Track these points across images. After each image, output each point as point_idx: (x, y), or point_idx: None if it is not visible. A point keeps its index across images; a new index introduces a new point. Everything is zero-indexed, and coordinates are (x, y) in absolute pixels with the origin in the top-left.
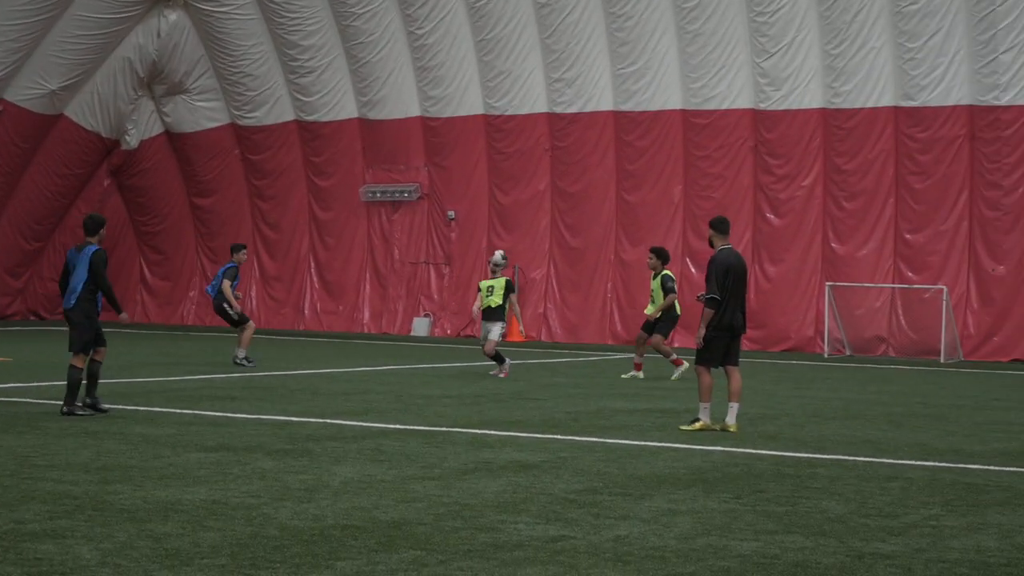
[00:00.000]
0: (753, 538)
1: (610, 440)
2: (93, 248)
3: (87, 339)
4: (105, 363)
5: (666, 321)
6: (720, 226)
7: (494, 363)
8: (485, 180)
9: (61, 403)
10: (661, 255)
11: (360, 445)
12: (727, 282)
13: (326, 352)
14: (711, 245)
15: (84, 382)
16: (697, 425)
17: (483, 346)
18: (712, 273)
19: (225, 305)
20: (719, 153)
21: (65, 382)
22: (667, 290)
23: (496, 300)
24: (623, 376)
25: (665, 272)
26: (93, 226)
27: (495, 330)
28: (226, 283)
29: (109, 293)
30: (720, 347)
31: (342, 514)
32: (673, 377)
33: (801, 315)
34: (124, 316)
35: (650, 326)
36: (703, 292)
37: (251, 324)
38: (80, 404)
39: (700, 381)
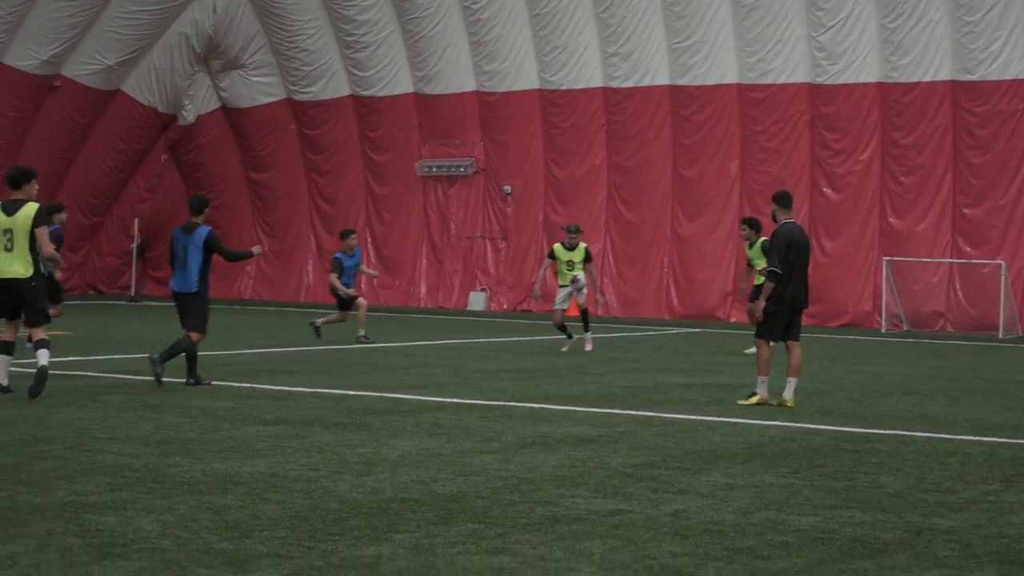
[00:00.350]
0: (811, 513)
1: (667, 414)
2: (206, 229)
3: (207, 318)
4: (164, 337)
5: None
6: (783, 200)
7: (563, 336)
8: (541, 155)
9: (185, 379)
10: (753, 225)
11: (418, 419)
12: (789, 256)
13: (383, 326)
14: (774, 219)
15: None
16: (754, 399)
17: (554, 315)
18: (774, 247)
19: (338, 292)
20: (776, 127)
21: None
22: None
23: (579, 273)
24: (746, 352)
25: (763, 239)
26: (199, 205)
27: (582, 291)
28: (332, 277)
29: (237, 256)
30: (781, 321)
31: (400, 487)
32: (747, 351)
33: (859, 290)
34: (257, 248)
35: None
36: (764, 267)
37: (361, 302)
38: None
39: (759, 354)
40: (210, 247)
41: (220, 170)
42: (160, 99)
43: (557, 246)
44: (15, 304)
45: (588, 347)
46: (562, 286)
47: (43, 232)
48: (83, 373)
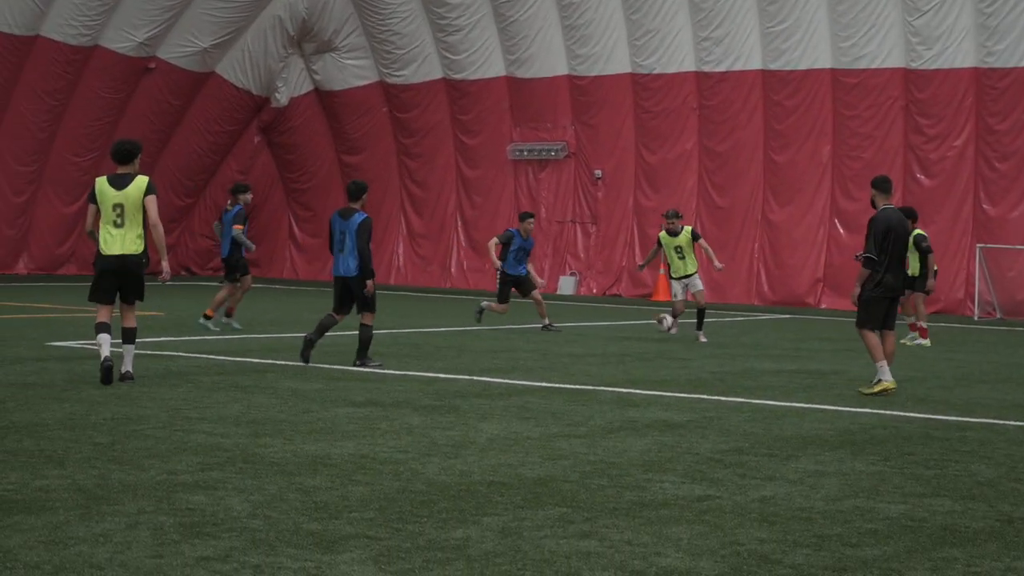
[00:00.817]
0: (901, 501)
1: (756, 400)
2: (362, 216)
3: (374, 297)
4: (255, 318)
5: (923, 279)
6: (882, 185)
7: (670, 319)
8: (632, 139)
9: (355, 359)
10: (911, 215)
11: (506, 402)
12: (887, 243)
13: (473, 310)
14: (873, 205)
15: (311, 338)
16: (878, 387)
17: (674, 305)
18: (872, 233)
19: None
20: (869, 113)
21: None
22: (924, 250)
23: (691, 265)
24: (903, 341)
25: (918, 231)
26: (357, 191)
27: (696, 281)
28: (491, 242)
29: (365, 259)
30: (881, 308)
31: (488, 470)
32: (907, 342)
33: (951, 277)
34: (370, 284)
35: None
36: (860, 252)
37: (537, 295)
38: (369, 358)
39: (867, 343)
40: (358, 234)
41: (312, 152)
42: (254, 81)
43: (662, 234)
44: (120, 282)
45: (703, 339)
46: (674, 279)
47: (152, 201)
48: (175, 354)
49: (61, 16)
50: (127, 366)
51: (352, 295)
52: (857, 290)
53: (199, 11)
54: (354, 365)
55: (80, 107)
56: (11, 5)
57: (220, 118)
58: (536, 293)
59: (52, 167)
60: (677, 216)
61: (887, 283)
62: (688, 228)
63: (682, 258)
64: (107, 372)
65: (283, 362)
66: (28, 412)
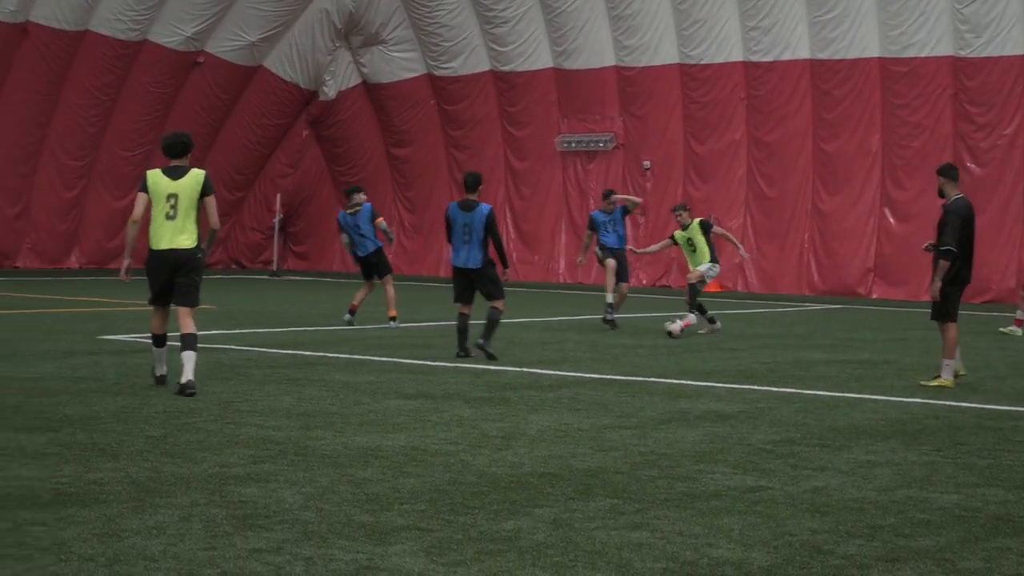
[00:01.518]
0: (954, 491)
1: (808, 391)
2: (487, 207)
3: (502, 286)
4: (306, 311)
5: None
6: (951, 173)
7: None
8: (680, 129)
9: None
10: None
11: (556, 394)
12: (963, 234)
13: (522, 301)
14: (941, 195)
15: (461, 329)
16: (936, 382)
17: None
18: (949, 224)
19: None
20: (918, 102)
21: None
22: None
23: (704, 256)
24: (1001, 330)
25: None
26: (474, 183)
27: (706, 268)
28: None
29: (501, 249)
30: (958, 300)
31: (539, 462)
32: (1004, 330)
33: (1003, 266)
34: (507, 272)
35: None
36: (930, 242)
37: (622, 286)
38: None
39: (949, 336)
40: (489, 226)
41: (361, 145)
42: (301, 75)
43: (676, 232)
44: (171, 278)
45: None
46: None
47: (212, 202)
48: (226, 347)
49: (110, 11)
50: (188, 375)
51: (474, 286)
52: (938, 284)
53: (246, 5)
54: (476, 344)
55: (129, 102)
56: (60, 1)
57: (268, 112)
58: (623, 286)
59: (102, 162)
60: (684, 209)
61: (964, 275)
62: (697, 220)
63: (693, 251)
64: (160, 382)
65: (334, 355)
66: (81, 405)
